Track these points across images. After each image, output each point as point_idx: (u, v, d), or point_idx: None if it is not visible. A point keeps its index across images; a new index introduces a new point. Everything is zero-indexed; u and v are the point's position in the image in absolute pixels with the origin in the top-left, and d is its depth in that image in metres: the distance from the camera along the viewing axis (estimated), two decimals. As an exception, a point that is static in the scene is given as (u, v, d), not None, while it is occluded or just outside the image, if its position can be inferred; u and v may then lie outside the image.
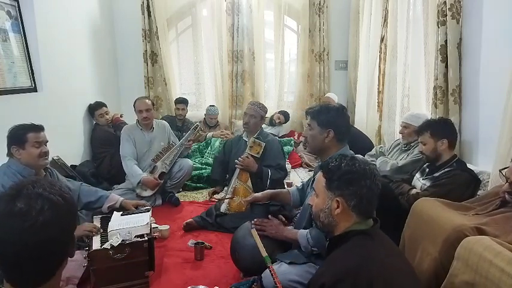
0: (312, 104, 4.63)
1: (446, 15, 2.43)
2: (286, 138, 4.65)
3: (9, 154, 2.01)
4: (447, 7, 2.41)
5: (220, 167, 3.14)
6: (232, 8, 4.70)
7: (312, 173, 2.44)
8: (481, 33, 2.30)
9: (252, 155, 2.75)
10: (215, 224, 2.68)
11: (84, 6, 3.83)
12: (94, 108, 3.70)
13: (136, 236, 1.90)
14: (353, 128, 3.86)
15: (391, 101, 3.68)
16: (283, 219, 2.52)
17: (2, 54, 2.57)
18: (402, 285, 1.07)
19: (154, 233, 2.10)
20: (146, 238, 1.91)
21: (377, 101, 3.89)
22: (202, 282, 1.93)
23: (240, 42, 4.78)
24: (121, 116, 3.92)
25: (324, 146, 1.82)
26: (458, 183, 2.06)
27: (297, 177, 3.87)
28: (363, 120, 4.31)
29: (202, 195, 3.43)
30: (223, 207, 2.70)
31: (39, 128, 2.04)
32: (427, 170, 2.31)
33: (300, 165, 4.30)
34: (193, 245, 2.33)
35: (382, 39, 3.70)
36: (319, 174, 1.31)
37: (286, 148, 4.26)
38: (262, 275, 1.70)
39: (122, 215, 2.12)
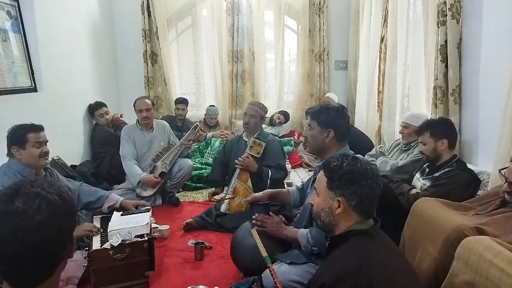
0: (312, 104, 4.63)
1: (446, 15, 2.42)
2: (286, 138, 4.65)
3: (10, 154, 2.01)
4: (447, 7, 2.41)
5: (220, 167, 3.15)
6: (232, 8, 4.70)
7: (312, 173, 2.43)
8: (481, 33, 2.30)
9: (252, 155, 2.76)
10: (215, 224, 2.68)
11: (84, 6, 3.83)
12: (94, 108, 3.70)
13: (136, 236, 1.90)
14: (353, 128, 3.87)
15: (391, 101, 3.68)
16: (283, 219, 2.51)
17: (2, 54, 2.57)
18: (402, 285, 1.07)
19: (154, 233, 2.10)
20: (146, 238, 1.91)
21: (377, 101, 3.89)
22: (202, 282, 1.93)
23: (240, 42, 4.77)
24: (121, 116, 3.92)
25: (324, 146, 1.82)
26: (458, 183, 2.06)
27: (297, 177, 3.87)
28: (363, 120, 4.31)
29: (202, 195, 3.43)
30: (223, 207, 2.70)
31: (39, 128, 2.05)
32: (427, 170, 2.31)
33: (300, 165, 4.30)
34: (193, 245, 2.33)
35: (382, 39, 3.70)
36: (321, 173, 1.30)
37: (286, 148, 4.26)
38: (262, 275, 1.70)
39: (122, 215, 2.13)
